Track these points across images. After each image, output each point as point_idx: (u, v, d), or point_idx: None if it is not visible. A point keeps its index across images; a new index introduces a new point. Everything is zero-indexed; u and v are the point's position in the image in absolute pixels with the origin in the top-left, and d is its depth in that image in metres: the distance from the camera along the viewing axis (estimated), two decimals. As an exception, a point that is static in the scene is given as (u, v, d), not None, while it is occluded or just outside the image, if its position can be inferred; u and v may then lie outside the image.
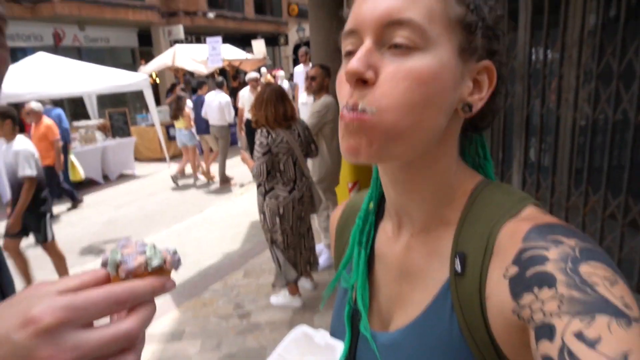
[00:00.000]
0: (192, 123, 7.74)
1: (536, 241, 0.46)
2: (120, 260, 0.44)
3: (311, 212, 3.42)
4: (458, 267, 0.53)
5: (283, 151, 3.06)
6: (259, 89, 7.14)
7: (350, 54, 0.53)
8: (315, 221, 4.11)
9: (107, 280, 0.43)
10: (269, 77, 9.79)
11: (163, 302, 3.76)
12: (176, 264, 0.48)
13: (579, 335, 0.38)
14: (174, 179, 7.84)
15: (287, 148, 3.07)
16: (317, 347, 0.72)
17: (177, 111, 7.59)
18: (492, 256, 0.50)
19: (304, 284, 3.64)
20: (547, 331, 0.40)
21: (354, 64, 0.48)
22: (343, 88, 0.52)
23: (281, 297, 3.51)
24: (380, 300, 0.67)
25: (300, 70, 7.76)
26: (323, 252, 4.09)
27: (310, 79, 3.74)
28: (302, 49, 7.74)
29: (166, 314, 3.54)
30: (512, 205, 0.53)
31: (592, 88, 2.66)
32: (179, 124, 7.71)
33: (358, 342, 0.68)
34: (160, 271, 0.46)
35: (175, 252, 0.48)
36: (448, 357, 0.54)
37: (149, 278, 0.44)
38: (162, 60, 11.13)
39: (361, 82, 0.49)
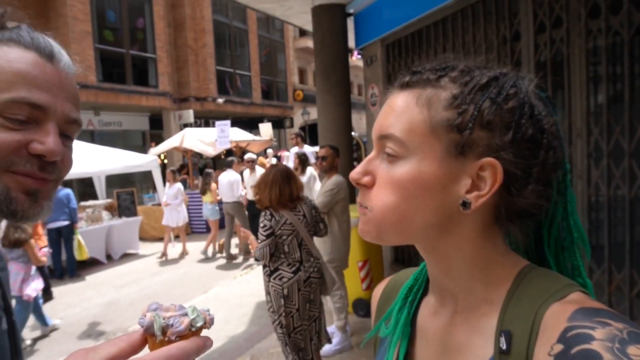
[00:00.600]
0: (217, 198, 8.19)
1: (582, 321, 0.47)
2: (165, 323, 0.47)
3: (323, 293, 3.28)
4: (503, 345, 0.54)
5: (287, 233, 2.99)
6: (257, 169, 7.51)
7: None
8: (328, 302, 3.97)
9: (143, 343, 0.48)
10: (264, 159, 10.07)
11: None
12: (212, 322, 0.52)
13: None
14: (203, 253, 8.26)
15: (292, 230, 3.00)
16: None
17: (204, 186, 8.28)
18: (537, 336, 0.51)
19: None
20: None
21: (353, 172, 0.61)
22: None
23: (289, 387, 3.28)
24: None
25: (290, 153, 8.01)
26: (335, 335, 3.89)
27: (321, 158, 3.82)
28: (294, 133, 8.17)
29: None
30: (559, 289, 0.54)
31: (605, 165, 2.69)
32: (206, 198, 8.35)
33: None
34: (199, 330, 0.50)
35: (208, 311, 0.52)
36: None
37: (193, 338, 0.49)
38: (171, 143, 11.49)
39: (362, 185, 0.61)
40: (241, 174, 8.12)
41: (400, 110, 0.58)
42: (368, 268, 4.48)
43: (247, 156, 7.70)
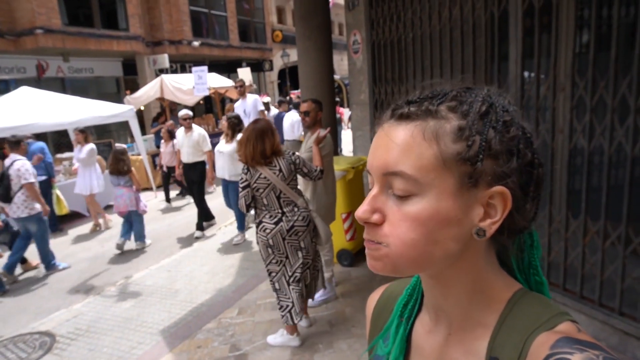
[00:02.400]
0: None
1: (562, 348, 0.49)
2: None
3: (317, 244, 3.40)
4: None
5: (263, 186, 3.14)
6: (194, 128, 6.94)
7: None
8: None
9: None
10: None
11: (155, 345, 3.62)
12: None
13: None
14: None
15: (267, 183, 3.14)
16: None
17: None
18: None
19: (300, 322, 3.53)
20: None
21: (360, 211, 0.58)
22: None
23: (279, 337, 3.41)
24: None
25: (238, 105, 7.43)
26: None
27: (303, 113, 3.72)
28: (238, 81, 7.42)
29: (160, 358, 3.40)
30: (549, 319, 0.55)
31: (587, 121, 2.68)
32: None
33: None
34: None
35: None
36: None
37: None
38: (149, 93, 11.10)
39: (372, 223, 0.58)
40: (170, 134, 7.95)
41: (406, 145, 0.55)
42: (351, 219, 4.54)
43: (182, 113, 6.58)
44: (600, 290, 2.76)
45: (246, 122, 6.40)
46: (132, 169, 5.93)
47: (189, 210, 7.84)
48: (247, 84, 12.87)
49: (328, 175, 3.82)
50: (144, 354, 3.52)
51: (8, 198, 5.17)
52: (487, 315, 0.61)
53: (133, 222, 6.04)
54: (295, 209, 3.24)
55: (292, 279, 3.27)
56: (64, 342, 3.84)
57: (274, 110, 10.91)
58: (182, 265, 5.37)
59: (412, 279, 0.74)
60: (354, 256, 4.65)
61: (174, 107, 11.83)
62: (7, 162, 5.36)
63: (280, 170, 3.16)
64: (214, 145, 6.29)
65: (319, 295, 3.93)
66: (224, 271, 5.06)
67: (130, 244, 6.19)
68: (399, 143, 0.56)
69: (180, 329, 3.85)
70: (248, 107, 7.29)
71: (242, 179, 3.16)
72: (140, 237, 6.19)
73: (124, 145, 7.36)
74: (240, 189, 3.17)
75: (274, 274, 3.29)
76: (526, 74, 3.11)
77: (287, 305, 3.27)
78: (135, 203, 5.88)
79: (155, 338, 3.74)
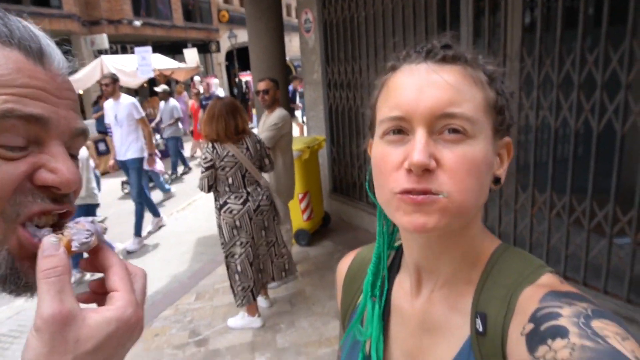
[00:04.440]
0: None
1: (551, 301, 0.50)
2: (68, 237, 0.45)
3: (277, 222, 3.37)
4: (480, 327, 0.56)
5: (230, 165, 3.06)
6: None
7: (397, 133, 0.56)
8: None
9: None
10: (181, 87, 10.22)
11: (109, 336, 3.48)
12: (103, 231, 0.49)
13: None
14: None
15: (234, 162, 3.06)
16: None
17: None
18: (512, 318, 0.53)
19: (260, 302, 3.51)
20: None
21: (420, 156, 0.51)
22: (392, 170, 0.55)
23: (239, 319, 3.37)
24: (397, 353, 0.68)
25: (110, 106, 5.08)
26: (279, 268, 3.99)
27: (262, 92, 3.65)
28: (106, 79, 4.98)
29: (114, 349, 3.27)
30: (531, 272, 0.57)
31: (534, 97, 2.80)
32: None
33: None
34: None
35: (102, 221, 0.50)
36: None
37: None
38: (89, 74, 10.48)
39: (425, 170, 0.52)
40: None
41: (462, 86, 0.54)
42: (308, 200, 4.54)
43: (162, 88, 7.56)
44: (546, 257, 2.93)
45: (116, 131, 5.06)
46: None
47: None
48: (193, 65, 12.49)
49: (287, 154, 3.79)
50: (97, 345, 3.37)
51: None
52: (471, 272, 0.61)
53: (154, 179, 6.87)
54: (259, 189, 3.21)
55: (254, 259, 3.24)
56: (5, 341, 3.60)
57: (220, 91, 10.86)
58: (133, 254, 5.17)
59: (374, 251, 0.72)
60: (311, 236, 4.66)
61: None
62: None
63: (247, 148, 3.12)
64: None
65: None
66: (177, 258, 4.93)
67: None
68: (454, 84, 0.54)
69: (135, 318, 3.71)
70: (121, 112, 4.96)
71: (205, 158, 3.02)
72: (163, 188, 7.15)
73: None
74: (202, 169, 3.03)
75: (236, 257, 3.20)
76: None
77: (249, 286, 3.24)
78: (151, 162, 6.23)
79: (108, 329, 3.59)
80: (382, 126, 0.57)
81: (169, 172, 8.43)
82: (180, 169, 8.96)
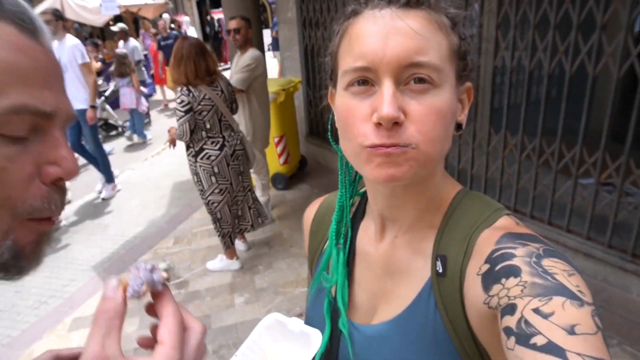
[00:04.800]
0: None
1: (506, 243, 0.52)
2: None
3: (248, 166, 3.35)
4: (439, 268, 0.59)
5: (207, 108, 2.94)
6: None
7: (361, 84, 0.54)
8: (254, 178, 4.02)
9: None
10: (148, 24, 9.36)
11: (89, 280, 3.53)
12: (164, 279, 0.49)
13: (536, 310, 0.43)
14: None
15: (211, 105, 2.95)
16: (291, 333, 0.73)
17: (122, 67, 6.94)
18: (470, 259, 0.56)
19: (238, 245, 3.58)
20: (509, 309, 0.46)
21: (389, 110, 0.50)
22: (359, 123, 0.54)
23: (218, 262, 3.44)
24: (362, 296, 0.71)
25: (54, 49, 4.76)
26: (257, 211, 4.03)
27: (233, 31, 3.48)
28: (46, 15, 4.20)
29: (95, 293, 3.33)
30: (489, 215, 0.59)
31: (511, 37, 2.76)
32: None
33: (340, 335, 0.71)
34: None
35: (169, 267, 0.48)
36: (432, 348, 0.59)
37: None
38: (48, 11, 9.77)
39: (395, 123, 0.52)
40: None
41: (428, 33, 0.52)
42: (284, 143, 4.51)
43: (120, 26, 7.04)
44: (515, 198, 3.03)
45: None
46: (134, 70, 6.74)
47: (115, 142, 7.38)
48: (161, 1, 11.79)
49: (262, 97, 3.70)
50: (77, 290, 3.42)
51: None
52: (434, 217, 0.63)
53: (135, 119, 6.85)
54: (233, 133, 3.14)
55: (232, 203, 3.23)
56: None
57: (191, 30, 10.32)
58: (110, 200, 5.12)
59: (337, 200, 0.72)
60: (288, 179, 4.69)
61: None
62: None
63: (222, 90, 3.01)
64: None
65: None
66: (154, 202, 4.91)
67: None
68: (420, 31, 0.51)
69: (114, 263, 3.75)
70: (64, 55, 4.39)
71: (182, 101, 2.84)
72: (140, 132, 6.99)
73: (125, 50, 7.39)
74: (181, 114, 2.85)
75: (215, 204, 3.15)
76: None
77: (228, 231, 3.27)
78: (136, 102, 6.64)
79: (88, 274, 3.63)
80: (345, 77, 0.55)
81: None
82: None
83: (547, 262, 0.48)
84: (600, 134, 2.47)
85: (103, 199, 5.11)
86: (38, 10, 9.93)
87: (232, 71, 3.62)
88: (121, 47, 7.76)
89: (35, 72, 0.40)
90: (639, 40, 2.23)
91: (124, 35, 7.78)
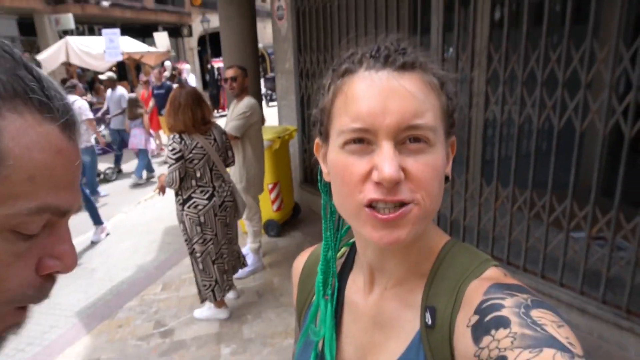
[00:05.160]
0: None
1: (494, 294, 0.52)
2: None
3: (236, 217, 3.30)
4: (429, 320, 0.58)
5: (198, 157, 2.93)
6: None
7: (357, 142, 0.55)
8: (246, 225, 3.99)
9: None
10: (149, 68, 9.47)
11: (71, 327, 3.40)
12: None
13: None
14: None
15: (203, 153, 2.95)
16: None
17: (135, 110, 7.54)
18: (459, 311, 0.55)
19: (228, 294, 3.49)
20: None
21: (391, 170, 0.51)
22: (357, 181, 0.54)
23: (206, 310, 3.35)
24: (350, 349, 0.69)
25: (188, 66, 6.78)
26: (249, 256, 3.97)
27: (230, 80, 3.58)
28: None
29: (76, 341, 3.20)
30: (477, 266, 0.59)
31: (500, 93, 2.84)
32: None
33: None
34: None
35: None
36: None
37: None
38: (53, 56, 10.07)
39: (397, 183, 0.53)
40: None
41: (423, 96, 0.54)
42: (278, 190, 4.52)
43: (108, 75, 7.36)
44: (508, 250, 3.02)
45: None
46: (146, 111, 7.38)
47: (108, 184, 7.36)
48: (164, 49, 12.18)
49: (257, 144, 3.75)
50: (58, 337, 3.29)
51: None
52: (422, 268, 0.63)
53: (139, 158, 7.21)
54: (223, 184, 3.12)
55: (217, 257, 3.14)
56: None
57: (192, 77, 10.53)
58: (99, 243, 5.05)
59: (321, 251, 0.72)
60: (281, 226, 4.66)
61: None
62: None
63: (215, 139, 3.02)
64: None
65: (247, 266, 3.90)
66: (145, 247, 4.84)
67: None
68: (416, 93, 0.53)
69: (99, 309, 3.64)
70: None
71: (174, 149, 2.84)
72: (138, 171, 7.26)
73: (135, 95, 7.83)
74: (171, 162, 2.84)
75: (198, 254, 3.08)
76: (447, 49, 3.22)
77: (210, 284, 3.17)
78: (144, 142, 7.17)
79: (70, 320, 3.51)
80: (342, 136, 0.56)
81: (112, 165, 7.92)
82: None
83: (535, 313, 0.48)
84: (590, 188, 2.50)
85: (92, 242, 5.03)
86: (44, 54, 10.18)
87: (227, 118, 3.68)
88: (108, 95, 7.85)
89: (66, 174, 0.40)
90: (624, 98, 2.30)
91: (111, 83, 7.82)
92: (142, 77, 9.58)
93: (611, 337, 2.54)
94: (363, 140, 0.54)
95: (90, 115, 6.08)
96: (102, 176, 7.51)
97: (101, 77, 8.10)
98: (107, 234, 5.21)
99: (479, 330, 0.50)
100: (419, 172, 0.53)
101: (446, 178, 0.60)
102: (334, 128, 0.57)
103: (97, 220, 5.10)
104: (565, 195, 2.62)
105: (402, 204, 0.53)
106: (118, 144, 7.93)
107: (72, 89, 6.11)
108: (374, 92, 0.53)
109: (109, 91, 7.92)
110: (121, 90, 7.91)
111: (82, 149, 4.67)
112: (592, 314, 2.59)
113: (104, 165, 7.62)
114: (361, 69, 0.55)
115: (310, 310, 0.75)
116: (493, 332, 0.48)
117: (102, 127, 8.17)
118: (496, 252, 3.09)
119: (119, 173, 8.04)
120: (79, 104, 5.69)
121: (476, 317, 0.51)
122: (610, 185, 2.43)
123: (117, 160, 8.08)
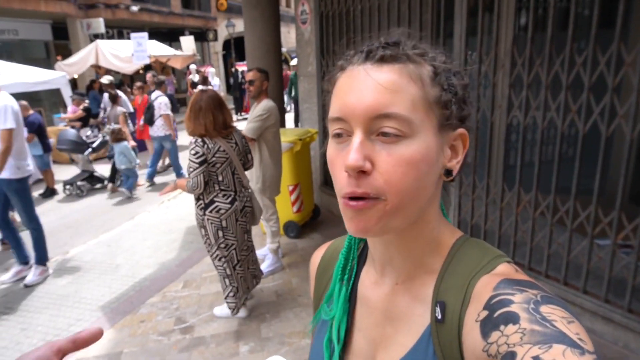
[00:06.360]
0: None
1: (504, 289, 0.52)
2: None
3: (252, 223, 3.31)
4: (439, 315, 0.59)
5: (221, 161, 2.91)
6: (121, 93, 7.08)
7: (339, 136, 0.58)
8: (265, 225, 4.03)
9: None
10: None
11: (95, 321, 3.50)
12: None
13: (536, 358, 0.42)
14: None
15: (225, 157, 2.93)
16: None
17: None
18: (468, 306, 0.56)
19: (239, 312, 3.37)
20: (509, 357, 0.44)
21: (353, 159, 0.53)
22: (339, 172, 0.57)
23: (225, 308, 3.39)
24: (361, 342, 0.70)
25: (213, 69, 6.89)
26: (268, 257, 4.01)
27: (248, 82, 3.64)
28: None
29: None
30: (488, 262, 0.59)
31: (523, 97, 2.82)
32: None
33: None
34: None
35: None
36: None
37: None
38: (84, 58, 10.38)
39: (361, 172, 0.54)
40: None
41: (397, 87, 0.55)
42: (298, 192, 4.55)
43: (104, 79, 7.35)
44: (530, 256, 2.97)
45: None
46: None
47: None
48: (190, 53, 12.41)
49: (275, 146, 3.79)
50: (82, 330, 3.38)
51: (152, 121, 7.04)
52: (433, 262, 0.63)
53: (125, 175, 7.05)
54: (243, 189, 3.10)
55: (238, 263, 3.13)
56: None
57: (216, 80, 10.64)
58: (123, 240, 5.17)
59: (346, 240, 0.74)
60: (300, 228, 4.69)
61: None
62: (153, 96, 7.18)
63: (236, 143, 3.01)
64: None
65: (267, 266, 3.94)
66: (167, 245, 4.94)
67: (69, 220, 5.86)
68: (389, 85, 0.54)
69: (122, 304, 3.73)
70: None
71: (197, 153, 2.80)
72: (127, 184, 7.01)
73: (119, 126, 7.38)
74: (195, 166, 2.80)
75: (223, 259, 3.07)
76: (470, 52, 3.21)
77: (234, 290, 3.18)
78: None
79: (95, 314, 3.61)
80: (330, 127, 0.59)
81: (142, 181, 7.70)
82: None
83: (545, 309, 0.48)
84: (616, 193, 2.45)
85: (26, 286, 4.13)
86: (75, 57, 10.48)
87: (248, 120, 3.74)
88: (106, 100, 7.75)
89: None
90: (651, 103, 2.25)
91: (110, 87, 7.78)
92: (137, 83, 8.67)
93: (637, 347, 2.47)
94: (344, 133, 0.57)
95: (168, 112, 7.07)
96: (105, 183, 7.48)
97: (102, 80, 8.07)
98: (47, 276, 4.31)
99: (488, 326, 0.50)
100: (389, 165, 0.54)
101: (449, 172, 0.60)
102: (327, 121, 0.61)
103: (40, 258, 4.28)
104: (590, 201, 2.57)
105: (374, 198, 0.54)
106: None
107: (159, 86, 7.27)
108: (351, 85, 0.56)
109: (105, 96, 7.74)
110: (120, 94, 7.79)
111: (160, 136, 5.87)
112: (617, 323, 2.53)
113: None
114: (351, 64, 0.59)
115: (325, 295, 0.77)
116: (502, 327, 0.48)
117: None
118: (518, 257, 3.05)
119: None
120: (161, 100, 7.05)
121: (485, 313, 0.51)
122: (637, 191, 2.38)
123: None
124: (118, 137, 6.79)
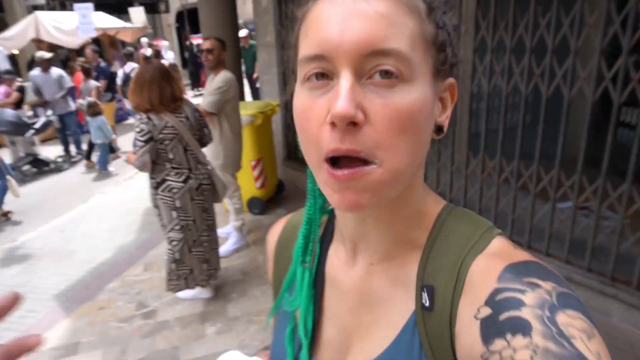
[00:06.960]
0: None
1: (511, 282, 0.43)
2: None
3: (214, 201, 3.16)
4: (426, 301, 0.50)
5: (169, 137, 2.73)
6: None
7: (316, 79, 0.45)
8: (227, 203, 3.87)
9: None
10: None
11: (50, 311, 3.31)
12: None
13: None
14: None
15: (174, 134, 2.74)
16: None
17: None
18: (462, 292, 0.47)
19: (201, 293, 3.24)
20: None
21: (344, 106, 0.41)
22: (316, 128, 0.45)
23: (189, 290, 3.27)
24: (332, 331, 0.60)
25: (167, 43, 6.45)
26: (232, 235, 3.90)
27: (206, 52, 3.42)
28: None
29: (55, 325, 3.11)
30: (480, 236, 0.50)
31: (488, 62, 2.78)
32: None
33: None
34: None
35: None
36: None
37: None
38: (22, 32, 9.63)
39: (351, 124, 0.42)
40: None
41: (393, 16, 0.43)
42: (261, 167, 4.42)
43: (39, 54, 6.87)
44: (494, 221, 3.00)
45: None
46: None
47: (82, 165, 7.16)
48: (140, 25, 11.78)
49: (234, 120, 3.62)
50: (36, 322, 3.19)
51: None
52: (417, 238, 0.54)
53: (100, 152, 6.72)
54: (199, 166, 2.92)
55: (195, 244, 2.98)
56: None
57: (170, 54, 10.19)
58: (77, 225, 4.91)
59: (304, 215, 0.62)
60: (265, 203, 4.58)
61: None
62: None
63: (186, 117, 2.81)
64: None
65: (231, 244, 3.83)
66: (125, 227, 4.72)
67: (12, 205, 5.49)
68: (384, 13, 0.43)
69: (79, 291, 3.54)
70: None
71: (142, 130, 2.64)
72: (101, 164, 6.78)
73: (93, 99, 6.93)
74: (140, 144, 2.64)
75: (175, 242, 2.91)
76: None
77: (184, 274, 3.03)
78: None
79: (48, 304, 3.40)
80: (302, 69, 0.46)
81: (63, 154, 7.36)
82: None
83: (562, 319, 0.39)
84: (577, 157, 2.47)
85: None
86: (12, 31, 9.75)
87: (205, 93, 3.54)
88: (35, 74, 7.06)
89: None
90: (613, 65, 2.25)
91: (45, 63, 6.95)
92: (77, 58, 8.33)
93: (596, 305, 2.55)
94: (325, 76, 0.45)
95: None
96: (52, 166, 7.00)
97: (36, 54, 7.32)
98: None
99: (491, 329, 0.41)
100: (385, 117, 0.42)
101: (440, 129, 0.50)
102: (297, 61, 0.48)
103: None
104: (553, 166, 2.59)
105: (363, 161, 0.43)
106: (74, 127, 7.39)
107: (130, 57, 7.36)
108: (335, 13, 0.43)
109: (36, 71, 7.04)
110: (57, 71, 7.11)
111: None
112: (577, 283, 2.60)
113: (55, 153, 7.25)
114: None
115: (285, 279, 0.65)
116: (509, 336, 0.39)
117: (50, 112, 7.09)
118: (483, 224, 3.07)
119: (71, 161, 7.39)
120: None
121: (488, 310, 0.42)
122: (597, 154, 2.41)
123: (78, 145, 7.61)
124: (95, 110, 6.50)
